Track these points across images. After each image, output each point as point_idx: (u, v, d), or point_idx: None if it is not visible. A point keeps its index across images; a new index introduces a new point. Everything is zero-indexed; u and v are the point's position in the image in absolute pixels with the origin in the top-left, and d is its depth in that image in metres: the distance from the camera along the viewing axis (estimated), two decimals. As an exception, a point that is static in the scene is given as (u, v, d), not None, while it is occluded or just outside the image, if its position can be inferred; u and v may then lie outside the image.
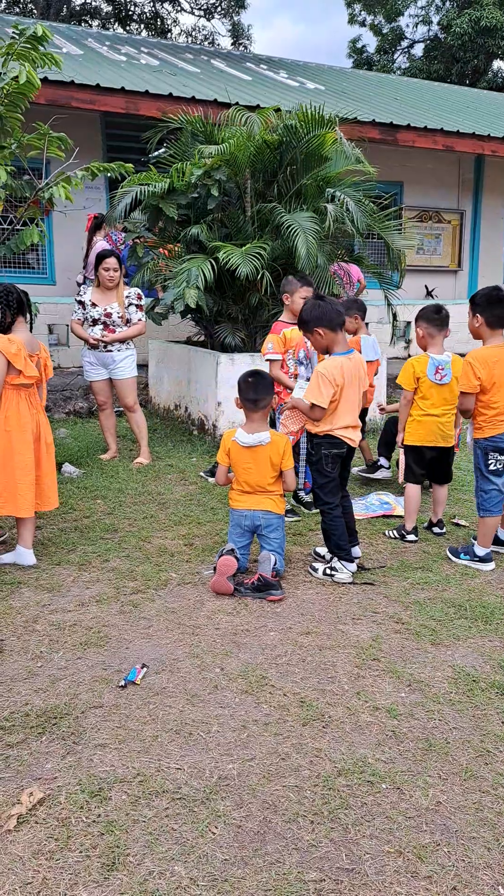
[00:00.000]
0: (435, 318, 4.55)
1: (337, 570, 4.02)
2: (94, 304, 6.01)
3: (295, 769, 2.48)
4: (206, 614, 3.59)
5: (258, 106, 9.05)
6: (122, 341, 6.03)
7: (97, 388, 6.22)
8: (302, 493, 5.27)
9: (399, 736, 2.68)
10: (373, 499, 5.26)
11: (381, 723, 2.75)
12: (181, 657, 3.18)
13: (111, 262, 5.95)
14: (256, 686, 2.96)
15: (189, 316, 7.44)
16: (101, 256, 6.01)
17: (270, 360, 4.97)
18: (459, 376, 4.43)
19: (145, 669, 3.05)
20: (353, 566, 4.07)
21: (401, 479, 5.26)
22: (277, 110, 7.32)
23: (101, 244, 8.14)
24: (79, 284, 8.52)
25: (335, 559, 4.06)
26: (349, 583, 3.98)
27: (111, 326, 6.00)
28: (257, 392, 3.98)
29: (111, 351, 6.04)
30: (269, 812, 2.29)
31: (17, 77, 4.78)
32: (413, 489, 4.63)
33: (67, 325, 9.20)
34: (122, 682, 2.95)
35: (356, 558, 4.18)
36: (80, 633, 3.37)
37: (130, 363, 6.14)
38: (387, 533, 4.72)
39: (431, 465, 4.66)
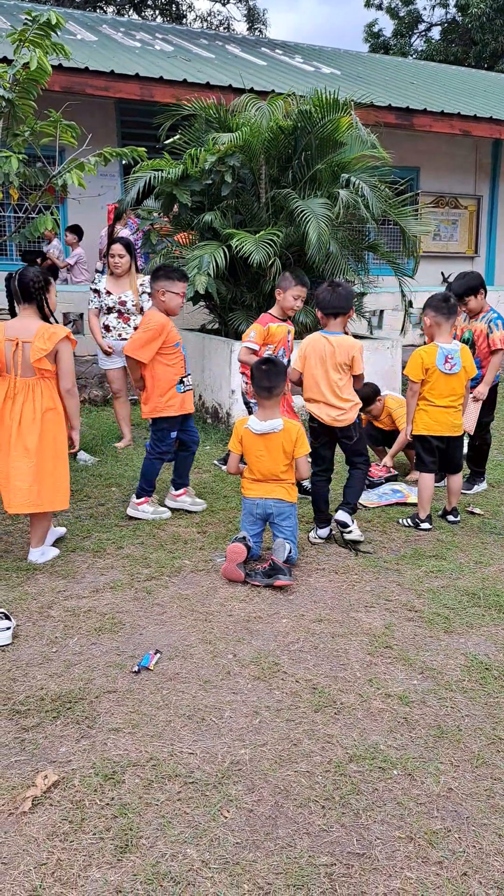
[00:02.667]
0: (443, 306, 4.54)
1: (311, 531, 4.50)
2: (108, 293, 6.04)
3: (307, 755, 2.50)
4: (219, 601, 3.60)
5: (273, 91, 8.99)
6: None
7: (112, 377, 6.24)
8: (305, 483, 5.24)
9: (411, 723, 2.68)
10: (386, 487, 5.25)
11: (392, 710, 2.76)
12: (194, 643, 3.20)
13: (116, 248, 5.99)
14: (269, 672, 2.97)
15: (203, 303, 7.43)
16: (110, 244, 6.09)
17: (247, 347, 4.95)
18: (468, 365, 4.47)
19: (158, 655, 3.07)
20: (323, 531, 4.43)
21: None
22: (290, 95, 7.25)
23: (123, 232, 8.15)
24: (98, 272, 8.53)
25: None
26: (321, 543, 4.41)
27: (125, 314, 6.03)
28: (272, 380, 3.99)
29: (126, 339, 6.04)
30: (280, 797, 2.30)
31: (27, 64, 4.77)
32: (426, 478, 4.62)
33: (82, 314, 9.22)
34: (136, 668, 2.97)
35: (344, 525, 4.30)
36: (94, 619, 3.39)
37: None
38: (400, 521, 4.71)
39: (441, 455, 4.64)
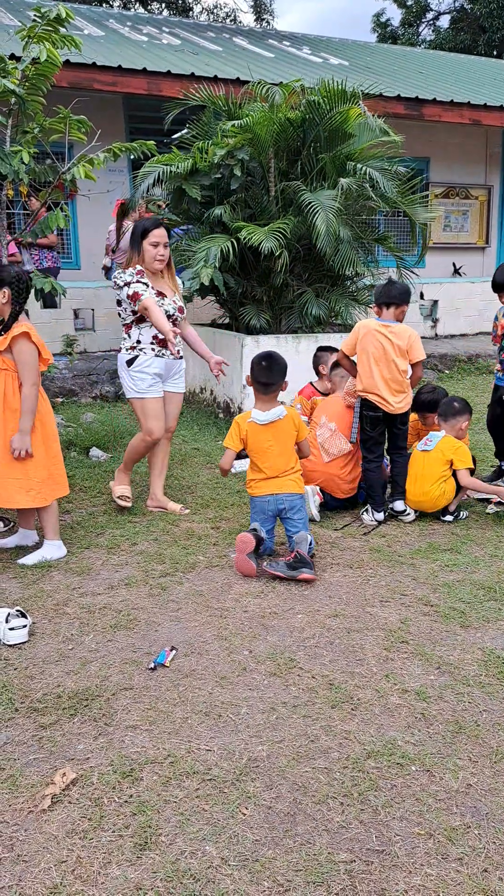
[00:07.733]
0: (447, 410, 4.71)
1: (365, 514, 4.63)
2: (160, 294, 4.47)
3: (324, 751, 2.49)
4: (234, 597, 3.60)
5: (281, 83, 8.94)
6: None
7: (156, 411, 4.48)
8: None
9: (428, 718, 2.67)
10: None
11: (410, 705, 2.75)
12: (209, 640, 3.19)
13: (161, 233, 4.40)
14: (285, 668, 2.97)
15: (213, 298, 7.41)
16: (146, 228, 4.40)
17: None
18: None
19: (174, 652, 3.07)
20: (380, 515, 4.56)
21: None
22: (298, 83, 7.19)
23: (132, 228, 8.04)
24: (106, 269, 8.46)
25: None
26: (373, 526, 4.53)
27: (179, 322, 4.62)
28: (269, 376, 4.00)
29: (182, 357, 4.62)
30: (298, 793, 2.30)
31: (36, 59, 4.76)
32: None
33: (93, 310, 9.21)
34: (152, 665, 2.97)
35: (400, 511, 4.60)
36: (109, 616, 3.40)
37: None
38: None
39: None
